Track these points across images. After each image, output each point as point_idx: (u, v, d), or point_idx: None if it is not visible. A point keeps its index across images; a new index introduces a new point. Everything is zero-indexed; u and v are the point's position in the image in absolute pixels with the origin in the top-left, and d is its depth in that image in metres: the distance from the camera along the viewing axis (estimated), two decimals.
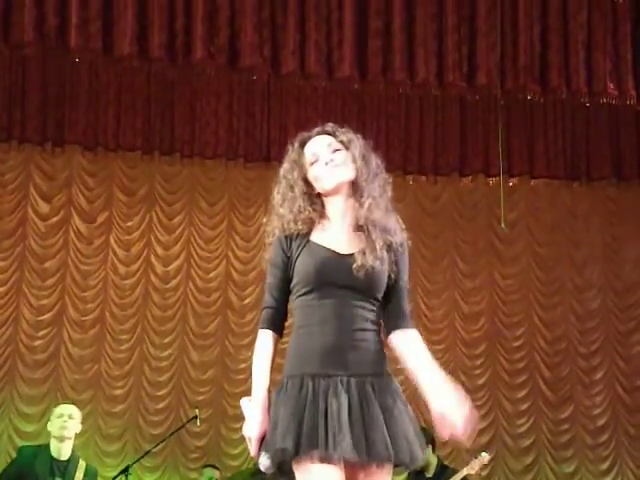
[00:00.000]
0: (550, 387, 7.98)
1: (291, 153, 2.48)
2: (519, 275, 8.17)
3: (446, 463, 5.81)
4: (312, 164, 2.43)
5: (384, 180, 2.47)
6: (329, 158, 2.41)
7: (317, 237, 2.37)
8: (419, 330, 8.32)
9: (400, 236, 2.43)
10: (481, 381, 7.89)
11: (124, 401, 7.32)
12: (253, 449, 2.28)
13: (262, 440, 2.26)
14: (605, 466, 7.89)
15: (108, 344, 7.42)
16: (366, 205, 2.37)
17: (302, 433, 2.18)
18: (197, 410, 6.33)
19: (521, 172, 8.10)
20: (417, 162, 7.93)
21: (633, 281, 8.24)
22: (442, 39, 6.67)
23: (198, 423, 6.32)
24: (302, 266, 2.32)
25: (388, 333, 2.41)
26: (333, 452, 2.16)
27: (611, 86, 6.76)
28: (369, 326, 2.33)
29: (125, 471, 5.95)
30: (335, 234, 2.38)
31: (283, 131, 7.59)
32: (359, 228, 2.40)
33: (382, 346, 2.38)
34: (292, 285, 2.36)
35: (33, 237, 7.50)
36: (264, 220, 2.47)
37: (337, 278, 2.29)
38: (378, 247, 2.33)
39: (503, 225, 7.65)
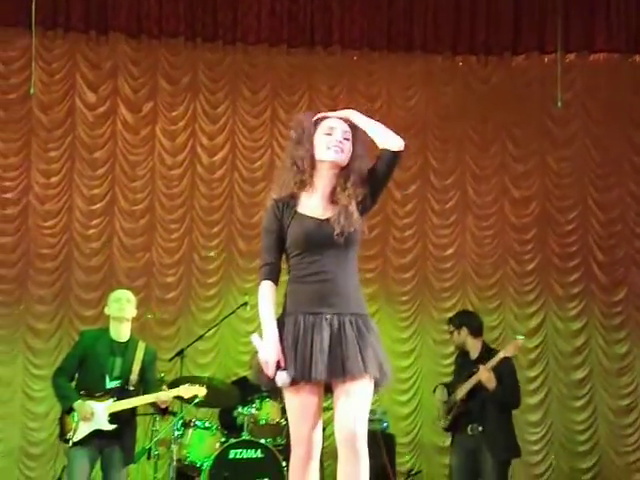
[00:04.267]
0: (603, 270, 7.84)
1: (310, 118, 3.01)
2: (573, 157, 7.89)
3: (492, 346, 5.87)
4: (325, 134, 2.94)
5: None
6: (339, 139, 2.93)
7: (303, 207, 2.94)
8: (467, 217, 8.19)
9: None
10: (531, 266, 7.79)
11: (176, 288, 7.48)
12: (270, 370, 2.81)
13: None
14: None
15: (158, 233, 7.52)
16: (347, 192, 2.92)
17: (297, 364, 2.80)
18: (247, 297, 6.45)
19: (579, 47, 7.71)
20: (468, 41, 7.60)
21: None
22: None
23: (248, 309, 6.45)
24: (293, 234, 2.90)
25: None
26: (309, 377, 2.78)
27: None
28: (349, 275, 2.91)
29: (180, 353, 6.20)
30: (317, 202, 2.94)
31: (327, 14, 7.33)
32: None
33: (360, 291, 2.95)
34: (286, 247, 2.93)
35: (82, 127, 7.50)
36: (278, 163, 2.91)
37: (321, 241, 2.87)
38: (351, 211, 2.88)
39: (560, 104, 7.35)
